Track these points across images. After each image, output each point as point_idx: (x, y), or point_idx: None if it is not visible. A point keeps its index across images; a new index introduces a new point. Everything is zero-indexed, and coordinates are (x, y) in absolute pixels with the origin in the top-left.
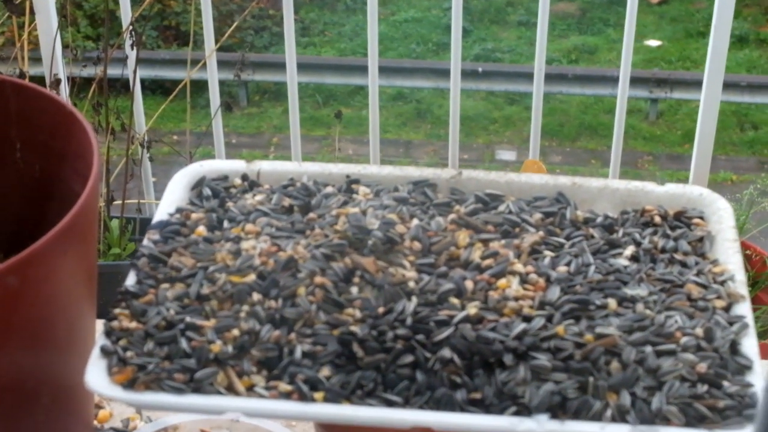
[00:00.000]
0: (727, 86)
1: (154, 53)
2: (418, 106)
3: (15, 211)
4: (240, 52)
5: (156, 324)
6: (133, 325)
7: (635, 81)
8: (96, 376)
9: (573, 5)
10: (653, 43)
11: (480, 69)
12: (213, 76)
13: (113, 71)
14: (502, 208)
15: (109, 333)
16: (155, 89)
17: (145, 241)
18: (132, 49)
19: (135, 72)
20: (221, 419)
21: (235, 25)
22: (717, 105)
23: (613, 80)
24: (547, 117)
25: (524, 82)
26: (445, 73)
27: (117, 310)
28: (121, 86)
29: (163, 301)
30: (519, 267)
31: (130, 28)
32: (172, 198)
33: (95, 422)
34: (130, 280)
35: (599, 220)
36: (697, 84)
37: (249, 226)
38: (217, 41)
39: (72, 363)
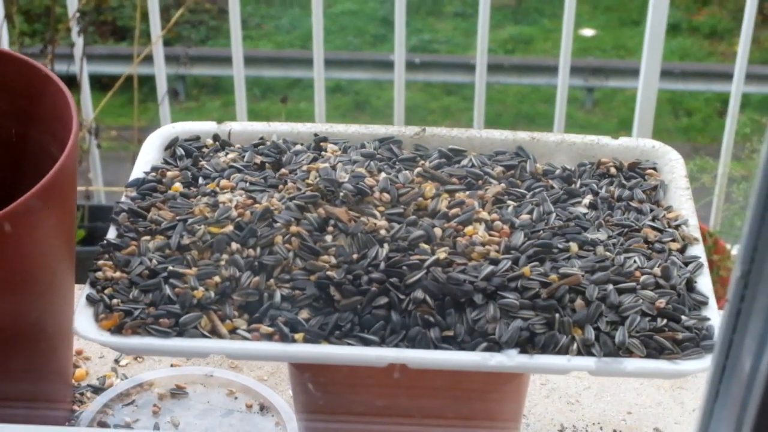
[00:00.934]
0: (662, 74)
1: (91, 48)
2: (357, 97)
3: None
4: (183, 46)
5: (140, 273)
6: (117, 274)
7: (571, 70)
8: (84, 322)
9: None
10: (588, 32)
11: (417, 60)
12: (159, 62)
13: (56, 67)
14: (464, 162)
15: (93, 283)
16: (93, 84)
17: (123, 198)
18: (79, 36)
19: (82, 59)
20: (196, 374)
21: (175, 19)
22: (655, 93)
23: (550, 70)
24: (485, 107)
25: (461, 73)
26: (382, 65)
27: (100, 262)
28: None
29: (145, 252)
30: (484, 215)
31: (77, 15)
32: (146, 158)
33: (72, 381)
34: (111, 234)
35: (558, 172)
36: (632, 72)
37: (224, 182)
38: (155, 35)
39: (52, 315)
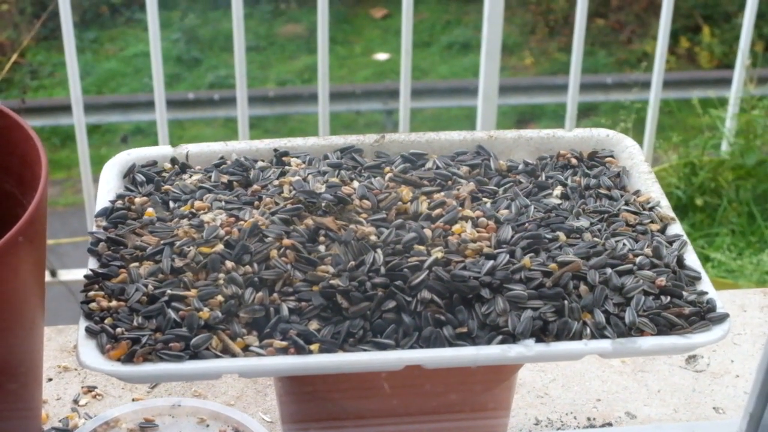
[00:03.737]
0: (458, 91)
1: None
2: (157, 139)
3: None
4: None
5: (138, 299)
6: (114, 303)
7: (369, 95)
8: (89, 355)
9: (299, 26)
10: (382, 56)
11: (216, 96)
12: None
13: None
14: (429, 164)
15: (89, 314)
16: None
17: (95, 228)
18: None
19: None
20: (162, 405)
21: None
22: (495, 109)
23: (347, 95)
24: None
25: (260, 106)
26: (180, 104)
27: (91, 293)
28: None
29: (137, 279)
30: (468, 213)
31: None
32: (108, 187)
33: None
34: (92, 264)
35: (521, 167)
36: (428, 92)
37: (198, 203)
38: None
39: (27, 352)
